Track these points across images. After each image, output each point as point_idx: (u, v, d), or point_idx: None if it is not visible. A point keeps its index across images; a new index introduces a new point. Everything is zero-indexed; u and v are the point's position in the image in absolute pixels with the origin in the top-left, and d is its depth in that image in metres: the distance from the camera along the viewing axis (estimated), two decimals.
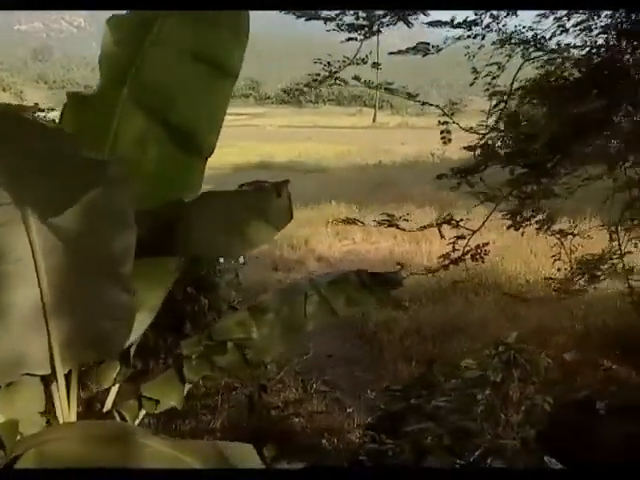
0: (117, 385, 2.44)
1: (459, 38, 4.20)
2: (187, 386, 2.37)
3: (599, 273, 4.92)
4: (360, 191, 20.32)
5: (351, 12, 3.80)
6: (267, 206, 1.88)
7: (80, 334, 1.89)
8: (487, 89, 4.32)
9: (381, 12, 3.83)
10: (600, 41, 4.36)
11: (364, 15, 3.85)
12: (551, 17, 4.26)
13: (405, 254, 13.25)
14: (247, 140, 41.62)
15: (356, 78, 4.09)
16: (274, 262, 15.15)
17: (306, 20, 3.65)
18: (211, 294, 4.48)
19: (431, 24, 4.05)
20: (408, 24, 4.00)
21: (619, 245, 4.55)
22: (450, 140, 3.93)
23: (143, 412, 2.33)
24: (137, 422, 2.34)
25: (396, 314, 8.99)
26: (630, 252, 4.85)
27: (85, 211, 1.55)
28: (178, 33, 1.83)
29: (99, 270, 1.73)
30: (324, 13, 3.69)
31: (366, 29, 3.94)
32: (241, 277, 13.69)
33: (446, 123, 3.85)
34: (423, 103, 3.89)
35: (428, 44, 4.01)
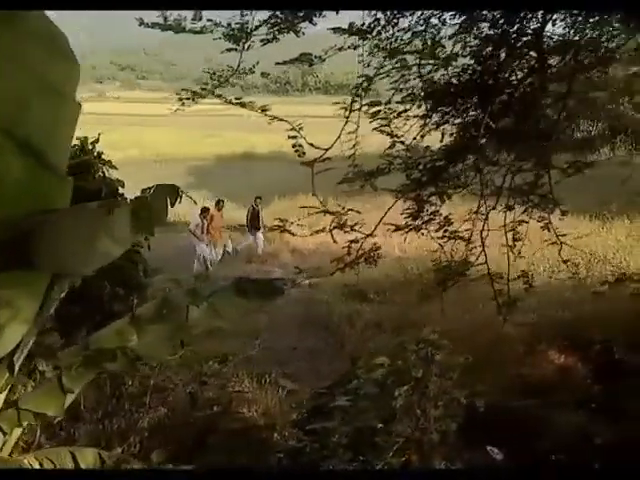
0: (4, 393, 2.48)
1: (340, 49, 4.17)
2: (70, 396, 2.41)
3: (463, 278, 4.95)
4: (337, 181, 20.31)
5: (224, 24, 3.78)
6: (109, 222, 1.91)
7: None
8: (354, 100, 4.27)
9: (257, 24, 3.82)
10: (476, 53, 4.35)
11: (238, 27, 3.82)
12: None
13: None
14: (232, 130, 41.32)
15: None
16: (249, 254, 15.20)
17: (175, 33, 3.60)
18: (140, 293, 4.51)
19: (333, 30, 4.00)
20: (297, 33, 3.96)
21: (483, 250, 4.59)
22: (304, 153, 3.90)
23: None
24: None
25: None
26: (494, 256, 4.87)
27: None
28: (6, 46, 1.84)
29: None
30: (189, 26, 3.64)
31: (243, 40, 3.89)
32: (211, 270, 13.64)
33: (295, 137, 3.81)
34: (272, 117, 3.84)
35: (311, 55, 3.98)
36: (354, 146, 4.09)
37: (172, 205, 3.33)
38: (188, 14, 3.62)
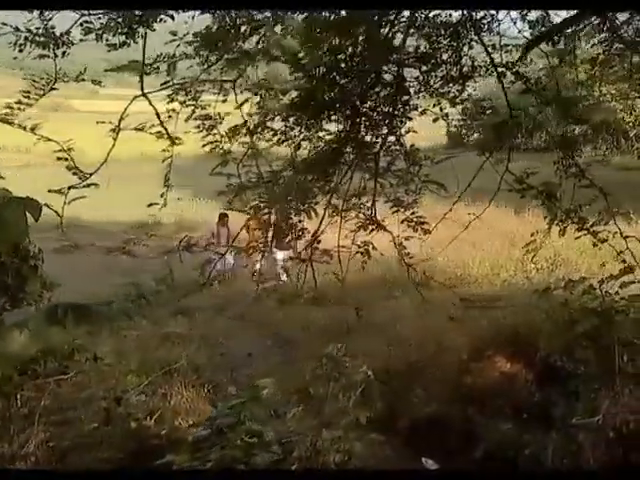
0: None
1: (173, 56, 3.91)
2: None
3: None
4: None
5: (23, 29, 3.51)
6: None
7: None
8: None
9: (66, 29, 3.57)
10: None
11: (41, 31, 3.56)
12: None
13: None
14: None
15: None
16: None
17: None
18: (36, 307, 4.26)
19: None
20: (134, 39, 3.70)
21: (342, 272, 4.42)
22: (79, 173, 3.63)
23: None
24: None
25: None
26: None
27: None
28: None
29: None
30: None
31: (52, 45, 3.64)
32: (175, 274, 13.40)
33: (66, 159, 3.56)
34: (40, 137, 3.53)
35: (139, 62, 3.76)
36: (169, 165, 3.84)
37: (36, 219, 3.08)
38: None
